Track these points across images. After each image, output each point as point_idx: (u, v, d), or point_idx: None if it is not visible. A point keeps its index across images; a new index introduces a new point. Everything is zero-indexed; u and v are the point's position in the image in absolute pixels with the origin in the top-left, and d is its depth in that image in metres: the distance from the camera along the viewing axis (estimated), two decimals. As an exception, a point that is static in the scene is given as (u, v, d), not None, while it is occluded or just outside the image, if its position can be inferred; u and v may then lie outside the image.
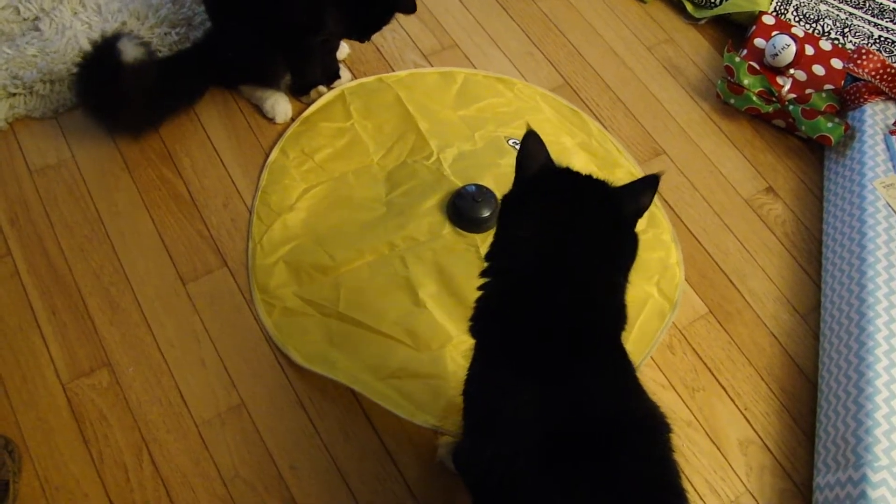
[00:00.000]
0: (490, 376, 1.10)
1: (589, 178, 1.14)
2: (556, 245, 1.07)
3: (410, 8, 1.60)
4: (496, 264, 1.13)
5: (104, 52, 1.58)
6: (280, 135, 1.75)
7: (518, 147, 1.70)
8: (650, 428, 1.05)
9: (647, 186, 1.09)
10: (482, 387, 1.12)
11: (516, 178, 1.14)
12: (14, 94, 1.71)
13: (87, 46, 1.75)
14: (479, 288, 1.13)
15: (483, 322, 1.13)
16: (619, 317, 1.12)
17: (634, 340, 1.56)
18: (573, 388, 1.03)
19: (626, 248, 1.12)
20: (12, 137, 1.69)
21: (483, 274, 1.13)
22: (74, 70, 1.65)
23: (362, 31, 1.67)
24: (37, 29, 1.79)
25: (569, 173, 1.14)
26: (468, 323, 1.15)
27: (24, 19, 1.81)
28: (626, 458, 0.99)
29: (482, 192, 1.59)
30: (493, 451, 1.03)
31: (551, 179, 1.13)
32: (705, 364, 1.59)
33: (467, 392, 1.15)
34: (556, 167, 1.14)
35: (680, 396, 1.54)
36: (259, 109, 1.78)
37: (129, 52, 1.56)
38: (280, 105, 1.76)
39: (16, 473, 1.31)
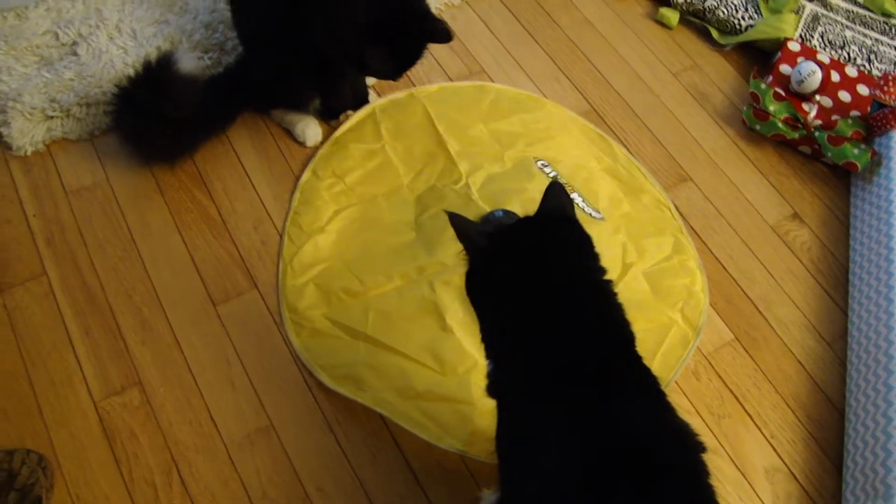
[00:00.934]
0: (522, 427, 1.11)
1: (528, 220, 1.18)
2: (549, 295, 1.10)
3: (446, 37, 1.57)
4: (498, 331, 1.15)
5: (160, 63, 1.63)
6: (310, 157, 1.77)
7: (545, 169, 1.72)
8: (689, 451, 1.05)
9: (556, 191, 1.17)
10: (516, 439, 1.12)
11: (470, 257, 1.17)
12: (52, 117, 1.74)
13: (123, 70, 1.79)
14: (489, 357, 1.16)
15: (503, 382, 1.15)
16: (626, 328, 1.14)
17: (658, 366, 1.56)
18: (608, 418, 1.03)
19: (591, 247, 1.17)
20: (49, 159, 1.72)
21: (488, 344, 1.16)
22: (120, 88, 1.68)
23: (396, 68, 1.66)
24: (74, 54, 1.83)
25: (511, 231, 1.18)
26: (485, 391, 1.17)
27: (63, 44, 1.85)
28: (671, 487, 0.99)
29: (509, 218, 1.60)
30: (535, 495, 1.03)
31: (506, 238, 1.16)
32: (731, 391, 1.59)
33: (500, 448, 1.15)
34: (499, 228, 1.17)
35: (705, 423, 1.54)
36: (289, 133, 1.81)
37: (186, 63, 1.61)
38: (310, 129, 1.79)
39: (48, 490, 1.33)
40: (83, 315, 1.54)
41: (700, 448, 1.04)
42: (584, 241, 1.17)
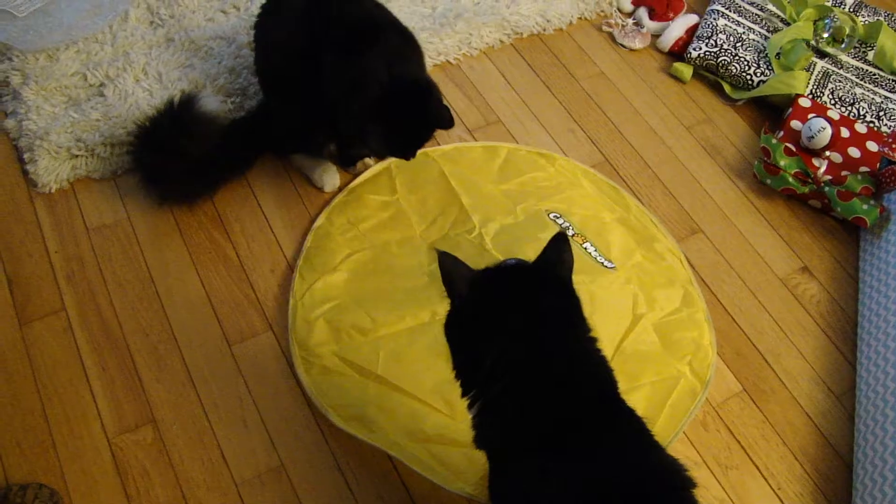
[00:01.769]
0: (517, 478, 1.12)
1: (518, 267, 1.20)
2: (532, 341, 1.12)
3: (448, 124, 1.63)
4: (478, 383, 1.16)
5: (183, 102, 1.69)
6: (327, 203, 1.81)
7: (557, 220, 1.74)
8: (678, 488, 1.07)
9: (559, 245, 1.19)
10: (511, 490, 1.13)
11: (452, 299, 1.18)
12: (77, 156, 1.79)
13: (148, 112, 1.84)
14: (471, 408, 1.17)
15: (492, 435, 1.16)
16: (607, 370, 1.17)
17: (666, 419, 1.57)
18: (601, 460, 1.06)
19: (577, 307, 1.19)
20: (73, 197, 1.76)
21: (470, 396, 1.18)
22: (140, 126, 1.73)
23: (394, 148, 1.68)
24: (101, 95, 1.89)
25: (497, 272, 1.19)
26: (473, 444, 1.19)
27: (91, 85, 1.91)
28: None
29: (522, 266, 1.62)
30: None
31: (487, 287, 1.16)
32: (739, 442, 1.60)
33: (496, 500, 1.17)
34: (482, 274, 1.18)
35: (713, 474, 1.55)
36: (308, 179, 1.85)
37: (210, 104, 1.67)
38: (328, 175, 1.82)
39: (60, 525, 1.35)
40: (100, 351, 1.56)
41: (689, 484, 1.07)
42: (568, 303, 1.18)
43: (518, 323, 1.13)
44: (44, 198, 1.76)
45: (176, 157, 1.70)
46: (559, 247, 1.20)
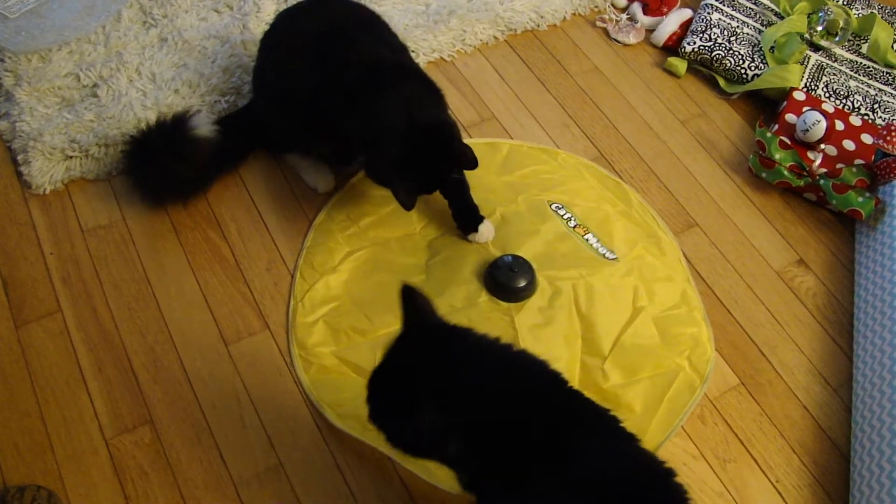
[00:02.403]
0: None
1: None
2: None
3: (473, 164, 1.56)
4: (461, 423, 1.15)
5: (177, 123, 1.68)
6: (323, 201, 1.80)
7: (559, 211, 1.74)
8: (660, 478, 1.11)
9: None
10: None
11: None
12: (71, 157, 1.79)
13: (142, 113, 1.84)
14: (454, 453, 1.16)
15: (483, 473, 1.16)
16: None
17: (664, 412, 1.57)
18: (592, 470, 1.08)
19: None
20: (67, 198, 1.76)
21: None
22: (134, 138, 1.73)
23: (431, 192, 1.66)
24: (95, 95, 1.88)
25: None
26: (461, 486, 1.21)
27: (84, 86, 1.90)
28: None
29: (518, 263, 1.62)
30: None
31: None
32: (737, 435, 1.60)
33: None
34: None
35: (711, 467, 1.55)
36: (302, 179, 1.84)
37: (203, 127, 1.68)
38: (322, 176, 1.82)
39: (59, 527, 1.35)
40: (96, 352, 1.56)
41: (670, 473, 1.11)
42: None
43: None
44: (38, 199, 1.76)
45: (164, 172, 1.71)
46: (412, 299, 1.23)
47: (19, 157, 1.78)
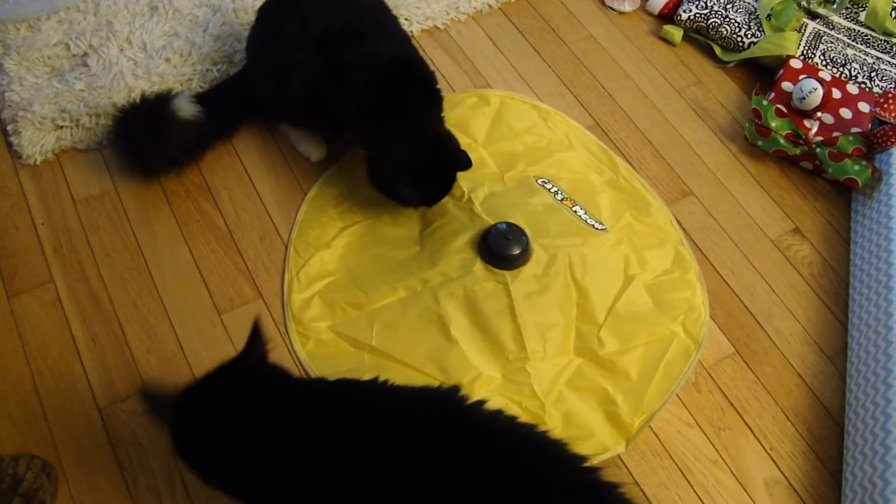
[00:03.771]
0: None
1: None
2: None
3: (468, 165, 1.63)
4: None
5: (159, 104, 1.67)
6: (317, 173, 1.79)
7: (546, 185, 1.74)
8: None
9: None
10: None
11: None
12: (61, 127, 1.77)
13: (133, 82, 1.82)
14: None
15: None
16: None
17: (660, 379, 1.57)
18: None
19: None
20: (58, 168, 1.75)
21: None
22: (117, 115, 1.72)
23: (437, 200, 1.68)
24: (85, 65, 1.86)
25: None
26: None
27: (74, 55, 1.88)
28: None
29: (512, 230, 1.62)
30: None
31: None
32: (731, 403, 1.60)
33: None
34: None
35: (706, 435, 1.55)
36: (294, 147, 1.83)
37: (185, 108, 1.66)
38: (315, 144, 1.81)
39: (52, 495, 1.35)
40: (89, 323, 1.55)
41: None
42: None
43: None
44: (29, 169, 1.74)
45: (150, 155, 1.70)
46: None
47: (9, 128, 1.77)
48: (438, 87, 1.65)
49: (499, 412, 1.15)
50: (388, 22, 1.75)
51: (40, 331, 1.54)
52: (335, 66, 1.60)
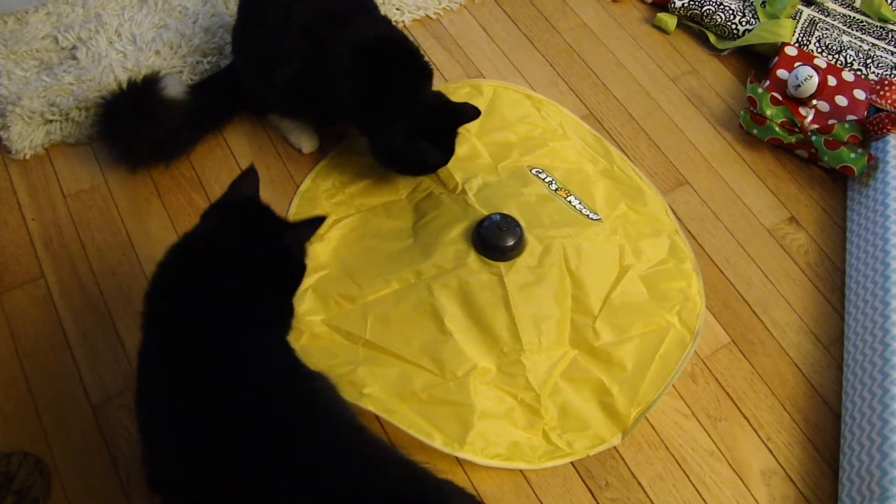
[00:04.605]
0: None
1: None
2: None
3: (476, 113, 1.65)
4: None
5: (147, 84, 1.65)
6: (309, 166, 1.78)
7: (540, 175, 1.73)
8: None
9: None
10: None
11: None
12: (51, 121, 1.75)
13: (122, 75, 1.80)
14: None
15: None
16: None
17: (656, 369, 1.57)
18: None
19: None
20: (48, 162, 1.73)
21: None
22: (106, 99, 1.70)
23: (450, 153, 1.69)
24: (74, 58, 1.84)
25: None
26: None
27: (62, 48, 1.86)
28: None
29: (506, 221, 1.60)
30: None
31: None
32: (728, 394, 1.59)
33: None
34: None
35: (702, 426, 1.55)
36: (286, 139, 1.82)
37: (172, 88, 1.64)
38: (305, 137, 1.79)
39: (45, 492, 1.34)
40: (81, 318, 1.54)
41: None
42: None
43: None
44: (18, 164, 1.73)
45: (134, 136, 1.68)
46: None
47: (-2, 122, 1.75)
48: (426, 60, 1.67)
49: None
50: (369, 5, 1.75)
51: (31, 327, 1.52)
52: (324, 51, 1.59)
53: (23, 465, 1.33)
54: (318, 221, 1.28)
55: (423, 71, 1.66)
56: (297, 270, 1.29)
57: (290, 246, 1.26)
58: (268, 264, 1.23)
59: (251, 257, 1.22)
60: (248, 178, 1.33)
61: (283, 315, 1.27)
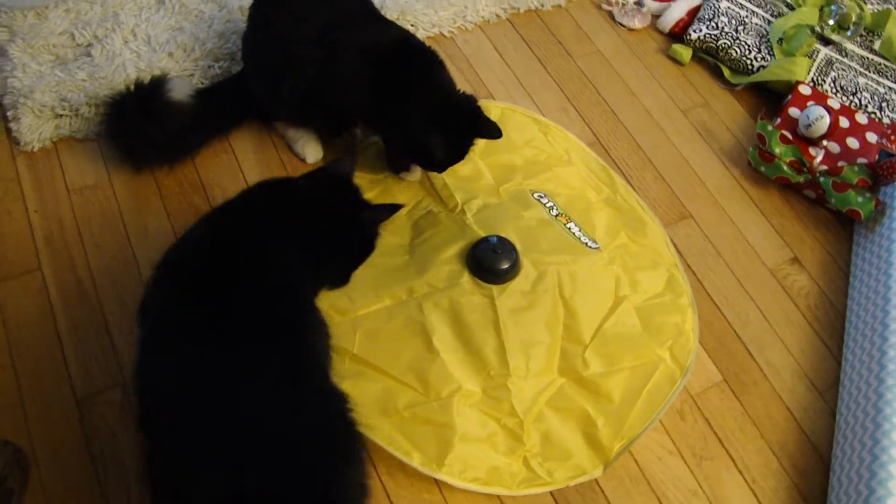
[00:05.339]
0: None
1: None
2: None
3: (497, 133, 1.64)
4: None
5: (154, 85, 1.67)
6: (311, 173, 1.78)
7: (542, 200, 1.72)
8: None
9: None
10: None
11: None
12: (61, 116, 1.77)
13: (134, 74, 1.82)
14: None
15: None
16: None
17: (643, 404, 1.55)
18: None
19: None
20: (55, 156, 1.75)
21: None
22: (113, 99, 1.72)
23: (459, 157, 1.68)
24: (88, 55, 1.86)
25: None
26: None
27: (78, 45, 1.88)
28: None
29: (502, 244, 1.60)
30: None
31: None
32: (715, 433, 1.57)
33: None
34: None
35: (686, 464, 1.53)
36: (290, 148, 1.82)
37: (180, 90, 1.65)
38: (310, 146, 1.80)
39: (22, 485, 1.33)
40: (73, 312, 1.55)
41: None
42: None
43: None
44: (26, 156, 1.74)
45: (139, 137, 1.69)
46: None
47: (9, 114, 1.77)
48: (434, 50, 1.68)
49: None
50: (374, 10, 1.76)
51: (24, 317, 1.53)
52: (337, 58, 1.60)
53: (1, 453, 1.33)
54: (395, 208, 1.46)
55: (434, 61, 1.66)
56: (366, 246, 1.43)
57: (366, 223, 1.41)
58: (343, 233, 1.38)
59: (332, 222, 1.35)
60: (348, 159, 1.46)
61: (338, 283, 1.44)
